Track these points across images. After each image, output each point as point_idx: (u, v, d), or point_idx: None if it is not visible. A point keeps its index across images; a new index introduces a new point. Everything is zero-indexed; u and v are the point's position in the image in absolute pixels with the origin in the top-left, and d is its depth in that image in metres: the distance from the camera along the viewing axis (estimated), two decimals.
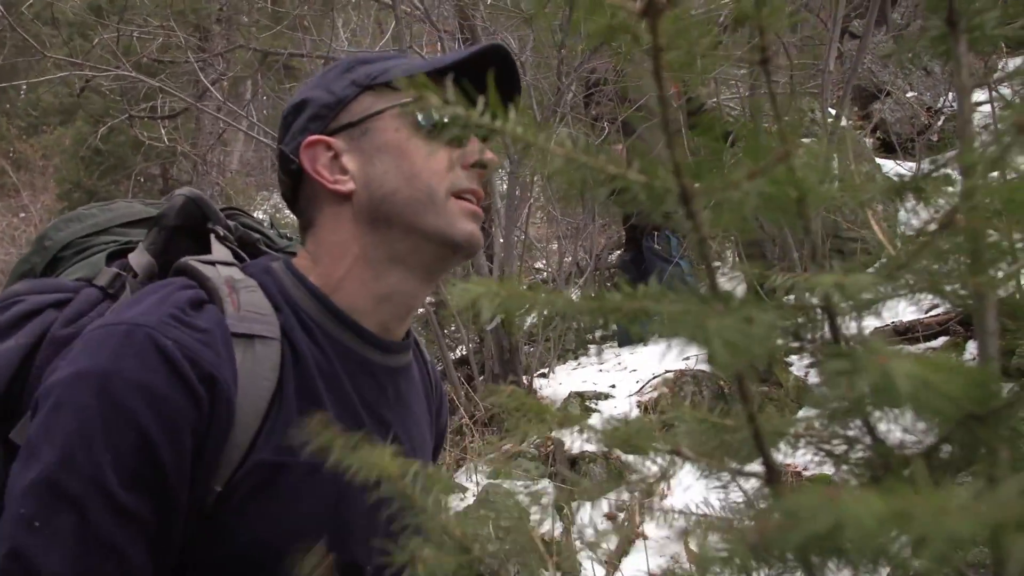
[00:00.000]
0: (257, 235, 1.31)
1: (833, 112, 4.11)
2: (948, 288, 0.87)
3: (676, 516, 1.15)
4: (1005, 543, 0.35)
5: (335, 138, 1.15)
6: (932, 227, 0.67)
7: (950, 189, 0.96)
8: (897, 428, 0.66)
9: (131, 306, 1.03)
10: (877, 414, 0.67)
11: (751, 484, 1.01)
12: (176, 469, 0.95)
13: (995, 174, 0.67)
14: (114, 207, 1.37)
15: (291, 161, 1.16)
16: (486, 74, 1.13)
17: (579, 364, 5.01)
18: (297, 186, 1.19)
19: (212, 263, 1.12)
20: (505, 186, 4.82)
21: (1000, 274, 0.89)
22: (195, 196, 1.23)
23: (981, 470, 0.63)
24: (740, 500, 1.02)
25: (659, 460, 1.06)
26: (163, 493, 0.95)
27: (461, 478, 3.62)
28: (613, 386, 4.26)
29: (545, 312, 0.62)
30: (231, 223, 1.28)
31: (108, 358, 0.95)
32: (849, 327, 0.77)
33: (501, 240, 4.62)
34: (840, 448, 0.84)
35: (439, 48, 4.94)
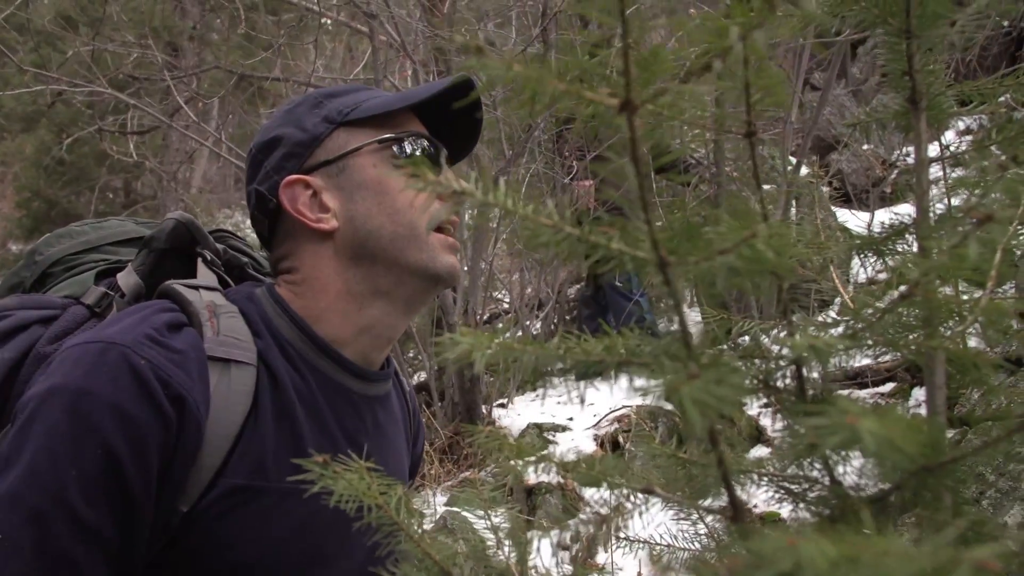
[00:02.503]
0: (246, 258, 1.32)
1: (793, 160, 4.25)
2: (903, 344, 0.95)
3: (640, 545, 1.21)
4: None
5: (313, 176, 1.16)
6: (890, 284, 0.73)
7: (906, 252, 1.04)
8: (853, 472, 0.72)
9: (110, 324, 1.05)
10: (835, 458, 0.73)
11: (714, 520, 1.07)
12: (141, 488, 0.96)
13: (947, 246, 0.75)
14: (106, 225, 1.38)
15: (268, 200, 1.17)
16: (452, 106, 1.18)
17: (537, 395, 5.06)
18: (274, 223, 1.20)
19: (196, 287, 1.13)
20: (470, 216, 4.87)
21: (948, 333, 0.97)
22: (186, 220, 1.24)
23: (925, 513, 0.70)
24: (704, 534, 1.08)
25: (617, 493, 1.11)
26: (127, 511, 0.96)
27: (418, 504, 3.62)
28: (571, 419, 4.31)
29: (531, 363, 0.67)
30: (220, 246, 1.29)
31: (81, 376, 0.96)
32: (811, 375, 0.83)
33: (467, 269, 4.66)
34: (799, 488, 0.90)
35: (410, 77, 4.99)
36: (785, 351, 0.74)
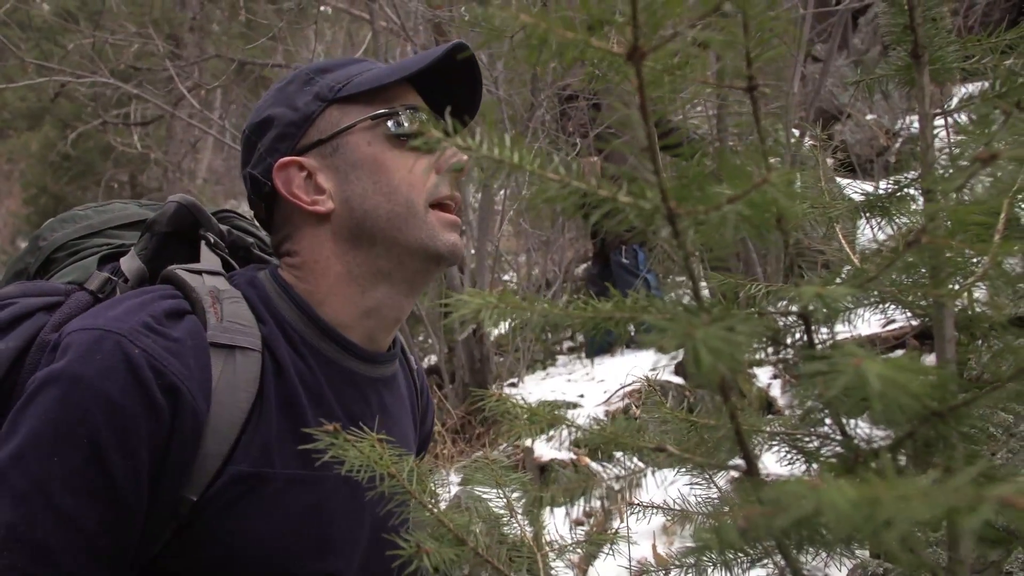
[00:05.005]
0: (251, 239, 1.31)
1: (796, 132, 4.23)
2: (911, 299, 0.95)
3: (654, 512, 1.21)
4: (958, 524, 0.40)
5: (306, 157, 1.14)
6: (896, 244, 0.74)
7: (913, 208, 1.04)
8: (864, 425, 0.72)
9: (110, 308, 1.04)
10: (845, 409, 0.74)
11: (727, 480, 1.07)
12: (129, 480, 0.95)
13: (952, 196, 0.74)
14: (109, 209, 1.36)
15: (263, 184, 1.16)
16: (450, 73, 1.15)
17: (547, 374, 5.07)
18: (271, 207, 1.18)
19: (198, 272, 1.13)
20: (478, 198, 4.88)
21: (956, 287, 0.97)
22: (188, 202, 1.22)
23: (939, 463, 0.70)
24: (717, 496, 1.08)
25: (630, 464, 1.12)
26: (111, 503, 0.95)
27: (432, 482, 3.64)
28: (582, 396, 4.32)
29: (539, 322, 0.67)
30: (224, 227, 1.27)
31: (77, 364, 0.96)
32: (821, 334, 0.84)
33: (473, 252, 4.67)
34: (812, 445, 0.91)
35: None
36: (793, 307, 0.74)
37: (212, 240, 1.23)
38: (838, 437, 0.81)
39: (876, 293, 0.85)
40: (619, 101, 0.50)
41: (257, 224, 1.35)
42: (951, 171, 0.67)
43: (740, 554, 0.79)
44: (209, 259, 1.19)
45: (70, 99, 8.49)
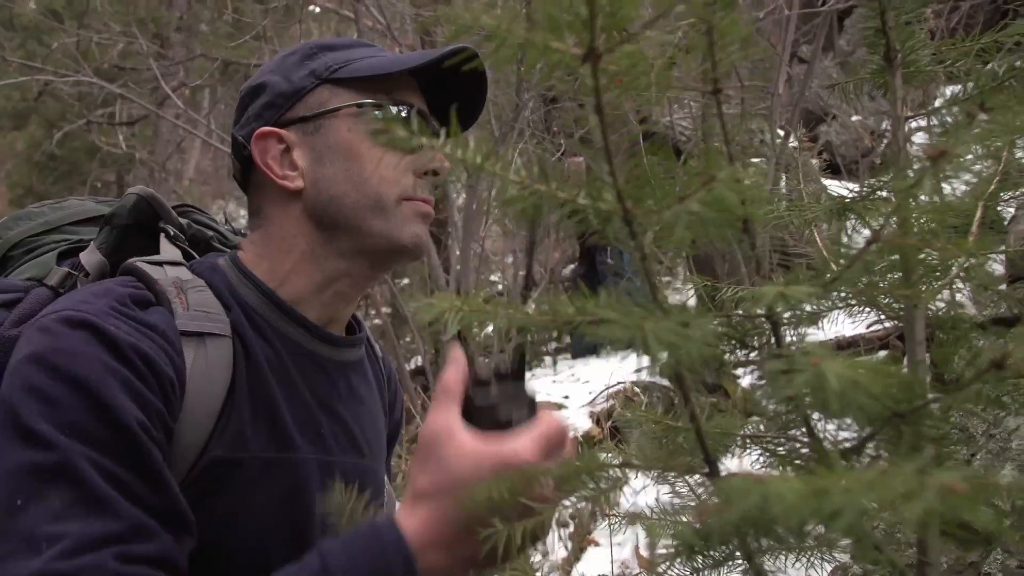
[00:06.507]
0: (211, 232, 1.29)
1: (782, 133, 4.24)
2: (883, 300, 0.95)
3: (629, 521, 1.21)
4: (902, 513, 0.41)
5: (288, 130, 1.13)
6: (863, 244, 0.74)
7: (884, 210, 1.04)
8: (833, 427, 0.72)
9: (69, 297, 1.02)
10: (816, 415, 0.74)
11: (695, 481, 1.07)
12: (132, 432, 0.92)
13: (925, 198, 0.74)
14: (65, 205, 1.34)
15: (243, 147, 1.15)
16: (450, 75, 1.15)
17: (533, 375, 5.07)
18: (247, 171, 1.18)
19: (159, 263, 1.11)
20: (463, 199, 4.87)
21: (927, 288, 0.97)
22: (147, 195, 1.21)
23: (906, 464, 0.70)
24: (686, 498, 1.08)
25: (611, 473, 1.12)
26: (135, 457, 0.92)
27: None
28: (567, 397, 4.33)
29: (503, 325, 0.67)
30: (183, 221, 1.26)
31: (50, 340, 0.93)
32: (791, 337, 0.83)
33: (458, 253, 4.66)
34: (783, 448, 0.91)
35: None
36: (758, 308, 0.74)
37: (172, 232, 1.21)
38: (806, 439, 0.81)
39: (846, 294, 0.85)
40: (576, 102, 0.50)
41: (216, 220, 1.34)
42: (914, 175, 0.67)
43: (705, 557, 0.79)
44: (169, 251, 1.17)
45: (55, 98, 8.44)
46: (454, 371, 0.88)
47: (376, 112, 1.11)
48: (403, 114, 1.13)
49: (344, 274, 1.15)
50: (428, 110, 1.18)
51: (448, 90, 1.17)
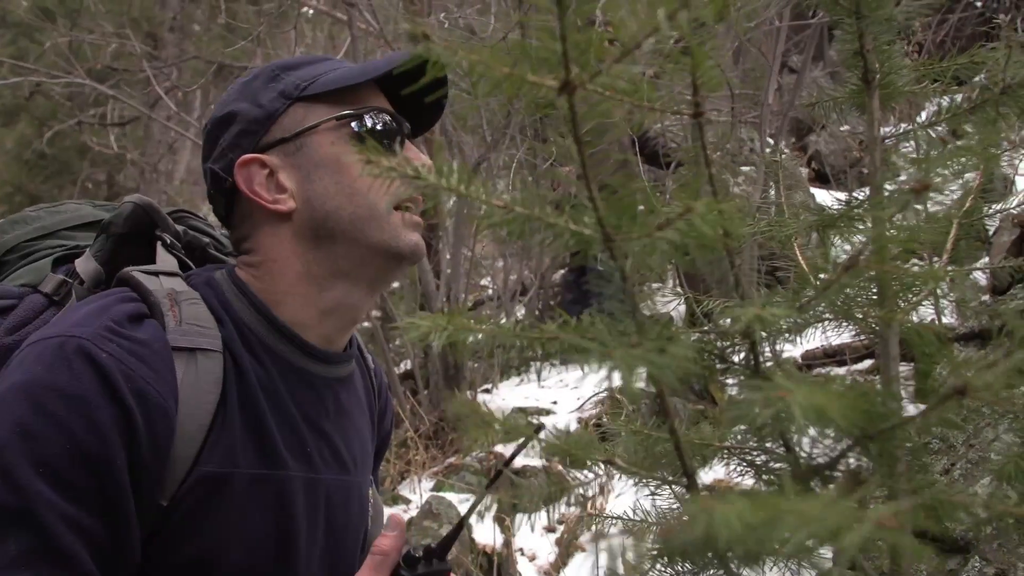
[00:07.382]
0: (206, 239, 1.29)
1: (771, 142, 4.28)
2: (856, 316, 0.97)
3: (613, 522, 1.23)
4: (849, 542, 0.42)
5: (269, 155, 1.13)
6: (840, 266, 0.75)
7: (861, 227, 1.06)
8: (808, 440, 0.74)
9: (67, 316, 1.03)
10: (785, 428, 0.76)
11: (678, 491, 1.09)
12: (112, 477, 0.95)
13: (900, 219, 0.77)
14: (62, 209, 1.33)
15: (224, 179, 1.15)
16: (418, 77, 1.15)
17: (522, 380, 5.09)
18: (231, 203, 1.17)
19: (155, 273, 1.11)
20: (452, 202, 4.88)
21: (903, 305, 0.99)
22: (144, 203, 1.20)
23: (882, 480, 0.72)
24: (669, 506, 1.10)
25: (596, 471, 1.14)
26: (105, 503, 0.94)
27: (405, 490, 3.66)
28: (555, 402, 4.34)
29: (488, 341, 0.68)
30: (180, 228, 1.26)
31: (43, 371, 0.95)
32: (769, 351, 0.86)
33: (448, 257, 4.67)
34: (760, 459, 0.93)
35: None
36: (736, 327, 0.75)
37: (168, 241, 1.21)
38: (782, 452, 0.83)
39: (823, 311, 0.87)
40: (556, 132, 0.52)
41: (212, 224, 1.33)
42: (893, 201, 0.69)
43: (682, 566, 0.81)
44: (165, 260, 1.17)
45: (47, 97, 8.41)
46: (393, 539, 0.98)
47: (353, 124, 1.13)
48: (378, 126, 1.15)
49: (343, 301, 1.15)
50: (395, 109, 1.19)
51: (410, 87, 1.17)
